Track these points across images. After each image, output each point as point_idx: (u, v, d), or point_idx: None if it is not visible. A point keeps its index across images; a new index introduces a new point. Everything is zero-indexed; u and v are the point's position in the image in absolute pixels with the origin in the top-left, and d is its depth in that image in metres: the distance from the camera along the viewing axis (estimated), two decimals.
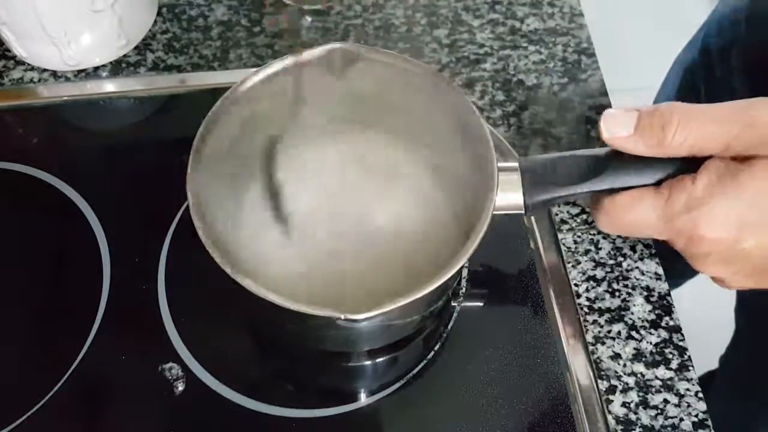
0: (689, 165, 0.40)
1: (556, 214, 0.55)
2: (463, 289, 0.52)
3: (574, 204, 0.56)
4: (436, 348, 0.50)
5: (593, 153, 0.43)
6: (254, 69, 0.46)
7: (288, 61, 0.46)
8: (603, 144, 0.42)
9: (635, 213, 0.41)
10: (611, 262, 0.53)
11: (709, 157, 0.40)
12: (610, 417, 0.48)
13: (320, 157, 0.51)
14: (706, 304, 0.93)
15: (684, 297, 0.72)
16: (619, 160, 0.42)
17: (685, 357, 0.50)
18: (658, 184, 0.41)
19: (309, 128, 0.50)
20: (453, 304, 0.51)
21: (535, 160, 0.44)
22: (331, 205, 0.50)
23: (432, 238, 0.48)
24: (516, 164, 0.44)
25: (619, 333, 0.51)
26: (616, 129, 0.40)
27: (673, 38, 0.84)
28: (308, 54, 0.46)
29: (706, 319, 0.93)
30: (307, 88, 0.48)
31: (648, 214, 0.41)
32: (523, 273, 0.52)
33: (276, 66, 0.46)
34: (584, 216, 0.55)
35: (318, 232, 0.49)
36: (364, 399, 0.48)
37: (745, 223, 0.38)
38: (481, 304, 0.52)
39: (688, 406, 0.48)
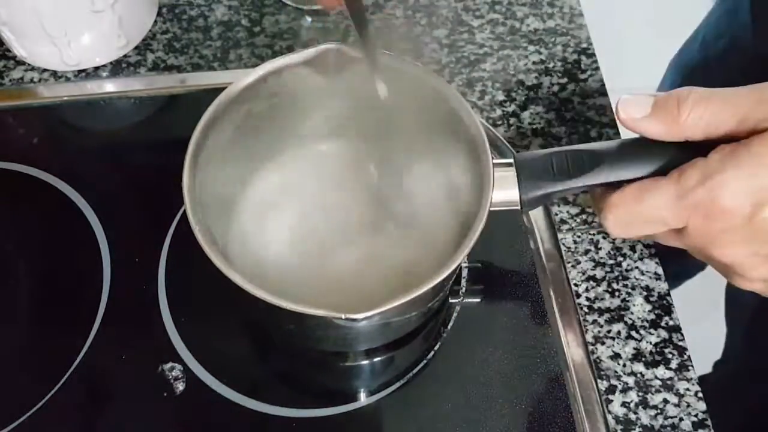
0: (689, 155, 0.40)
1: (556, 214, 0.55)
2: (463, 289, 0.52)
3: (574, 204, 0.56)
4: (436, 348, 0.50)
5: (589, 147, 0.43)
6: (250, 69, 0.47)
7: (282, 61, 0.46)
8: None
9: (647, 201, 0.40)
10: (611, 262, 0.53)
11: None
12: (609, 417, 0.48)
13: (316, 156, 0.51)
14: (703, 305, 0.93)
15: (682, 297, 0.72)
16: (615, 153, 0.42)
17: (685, 357, 0.50)
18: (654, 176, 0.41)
19: (304, 129, 0.50)
20: (452, 302, 0.51)
21: (531, 155, 0.44)
22: (328, 205, 0.50)
23: (430, 236, 0.48)
24: (511, 160, 0.44)
25: (618, 333, 0.51)
26: (632, 110, 0.40)
27: (673, 38, 0.84)
28: (302, 54, 0.46)
29: (703, 320, 0.93)
30: (301, 89, 0.48)
31: (660, 199, 0.39)
32: (523, 273, 0.52)
33: (270, 66, 0.46)
34: (584, 216, 0.55)
35: (316, 232, 0.49)
36: (364, 399, 0.48)
37: (764, 189, 0.37)
38: (481, 304, 0.52)
39: (688, 406, 0.48)
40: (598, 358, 0.50)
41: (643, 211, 0.40)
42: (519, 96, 0.61)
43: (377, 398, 0.48)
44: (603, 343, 0.50)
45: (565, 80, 0.62)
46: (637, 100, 0.40)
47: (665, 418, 0.48)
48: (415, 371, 0.49)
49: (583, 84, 0.62)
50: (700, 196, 0.38)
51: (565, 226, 0.55)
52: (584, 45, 0.64)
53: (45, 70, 0.62)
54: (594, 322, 0.51)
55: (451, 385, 0.48)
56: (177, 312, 0.50)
